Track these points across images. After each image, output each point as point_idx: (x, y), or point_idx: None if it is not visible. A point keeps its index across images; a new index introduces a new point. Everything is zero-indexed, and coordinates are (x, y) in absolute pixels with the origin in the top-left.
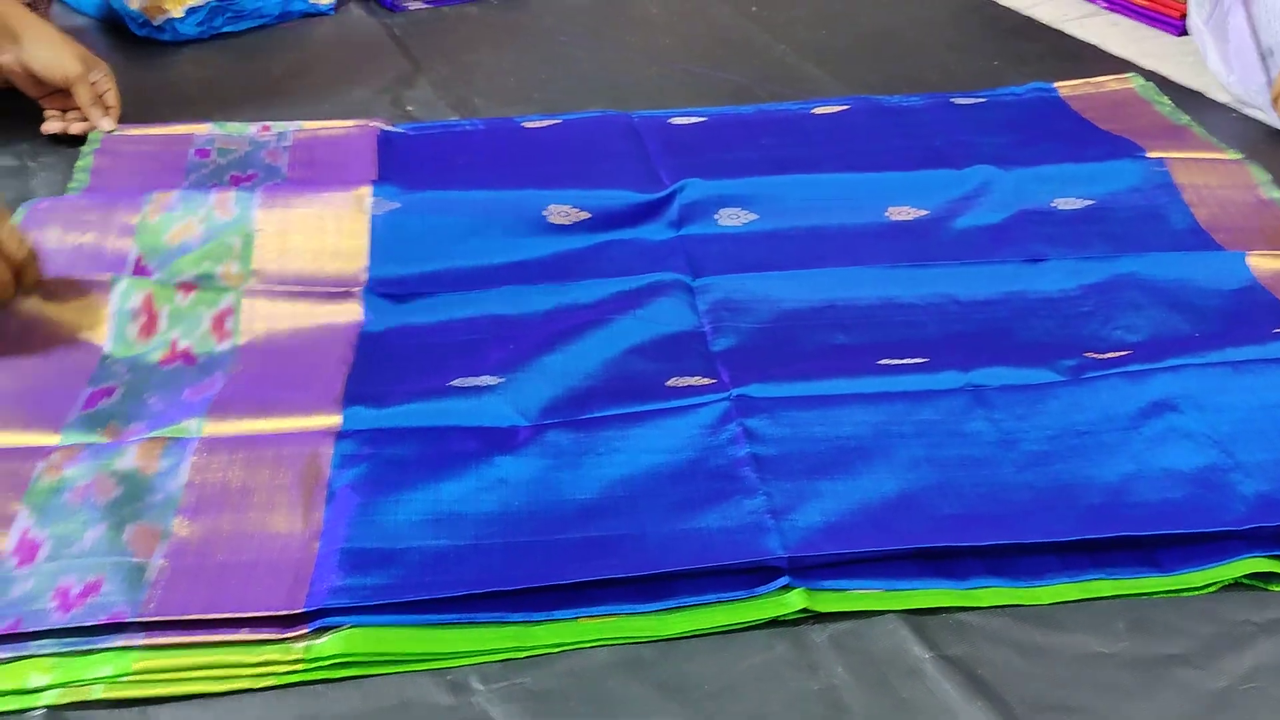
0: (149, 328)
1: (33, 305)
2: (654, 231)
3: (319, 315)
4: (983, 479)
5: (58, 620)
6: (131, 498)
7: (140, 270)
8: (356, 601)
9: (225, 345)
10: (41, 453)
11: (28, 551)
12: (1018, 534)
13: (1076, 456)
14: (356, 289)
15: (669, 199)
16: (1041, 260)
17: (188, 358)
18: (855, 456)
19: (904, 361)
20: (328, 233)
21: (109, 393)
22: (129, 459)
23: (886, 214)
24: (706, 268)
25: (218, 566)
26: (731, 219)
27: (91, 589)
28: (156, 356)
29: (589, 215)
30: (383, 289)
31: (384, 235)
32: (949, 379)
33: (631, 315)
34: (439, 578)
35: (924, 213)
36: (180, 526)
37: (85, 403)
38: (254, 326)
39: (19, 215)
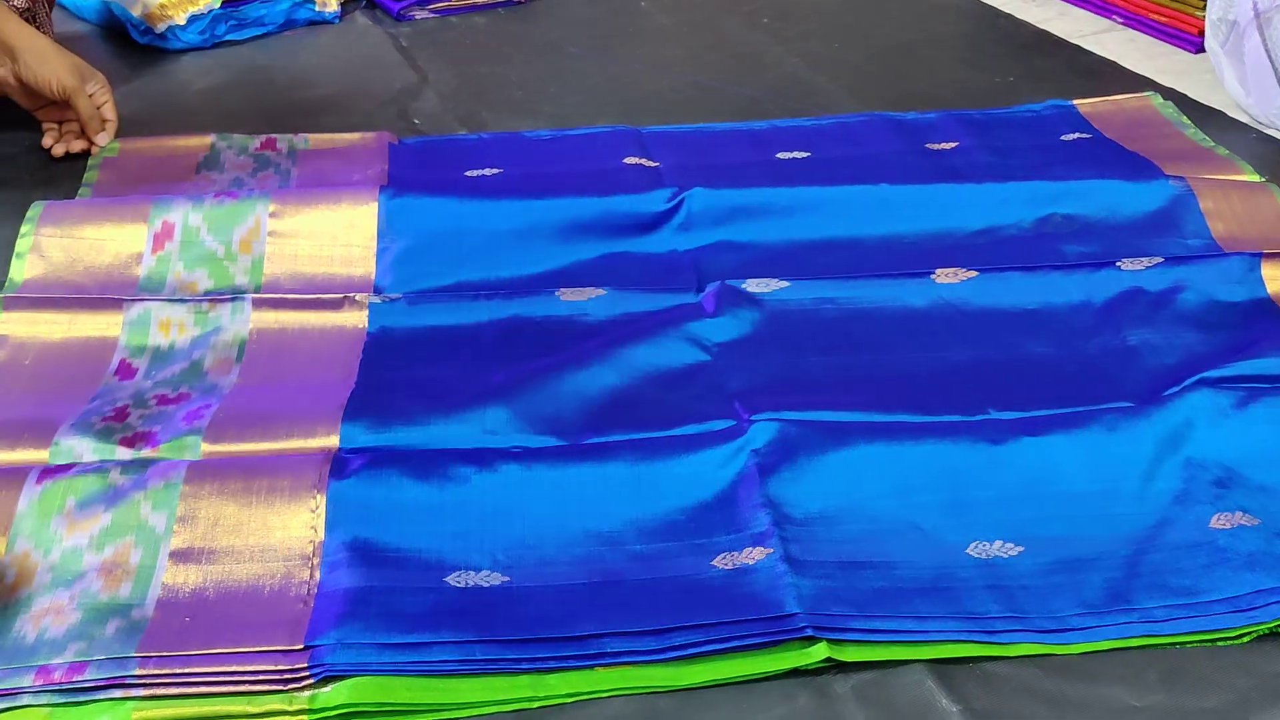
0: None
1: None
2: (661, 241)
3: (325, 320)
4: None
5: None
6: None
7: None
8: (358, 658)
9: (230, 375)
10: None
11: None
12: (1037, 617)
13: (1094, 521)
14: (362, 295)
15: (676, 207)
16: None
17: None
18: (874, 499)
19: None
20: (337, 241)
21: (116, 412)
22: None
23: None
24: (713, 277)
25: (214, 614)
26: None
27: (76, 669)
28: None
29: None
30: (389, 295)
31: (391, 242)
32: (965, 411)
33: (641, 341)
34: (442, 628)
35: (937, 229)
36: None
37: (85, 418)
38: (260, 333)
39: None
